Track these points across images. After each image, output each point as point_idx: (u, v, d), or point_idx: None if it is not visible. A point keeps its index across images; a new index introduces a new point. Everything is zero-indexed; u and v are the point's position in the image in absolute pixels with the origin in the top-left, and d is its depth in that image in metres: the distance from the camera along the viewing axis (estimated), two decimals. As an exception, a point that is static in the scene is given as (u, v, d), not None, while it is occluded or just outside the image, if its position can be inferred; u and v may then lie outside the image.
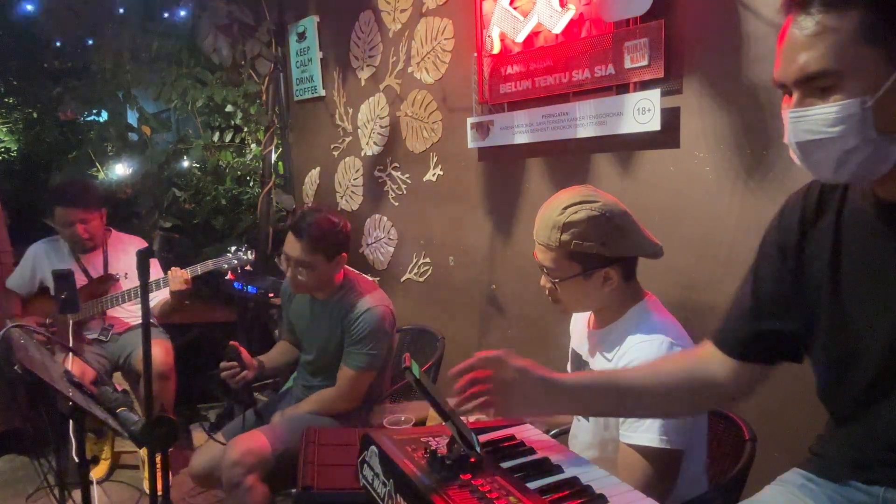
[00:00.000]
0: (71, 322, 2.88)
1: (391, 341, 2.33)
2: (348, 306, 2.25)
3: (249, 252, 2.79)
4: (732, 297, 1.24)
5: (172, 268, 2.87)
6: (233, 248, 2.87)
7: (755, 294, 1.18)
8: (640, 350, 1.36)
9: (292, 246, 2.18)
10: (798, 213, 1.12)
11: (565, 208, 1.40)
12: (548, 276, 1.48)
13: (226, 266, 2.83)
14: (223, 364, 2.27)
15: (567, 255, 1.41)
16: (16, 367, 1.44)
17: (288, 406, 2.36)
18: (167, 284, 2.89)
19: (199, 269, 2.88)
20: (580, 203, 1.40)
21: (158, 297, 3.05)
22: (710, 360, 1.21)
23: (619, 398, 1.21)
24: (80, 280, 3.05)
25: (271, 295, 3.27)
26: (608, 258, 1.41)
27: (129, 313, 3.16)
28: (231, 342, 2.30)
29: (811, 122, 0.94)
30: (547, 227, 1.42)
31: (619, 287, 1.46)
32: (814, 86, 0.93)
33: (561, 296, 1.48)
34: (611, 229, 1.39)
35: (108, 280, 3.09)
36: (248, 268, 2.82)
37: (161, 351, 2.98)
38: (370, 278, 2.60)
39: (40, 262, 3.11)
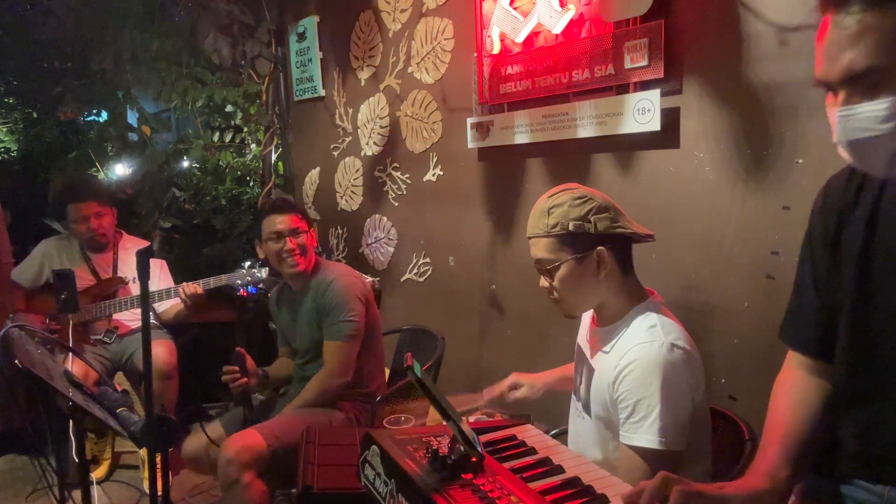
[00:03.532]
0: (71, 322, 2.88)
1: (370, 311, 2.38)
2: (317, 285, 2.35)
3: (263, 270, 2.77)
4: (794, 295, 1.21)
5: (184, 283, 2.87)
6: (247, 265, 2.83)
7: (816, 287, 1.15)
8: (641, 351, 1.36)
9: (283, 221, 2.32)
10: (839, 197, 1.11)
11: (549, 197, 1.49)
12: (544, 272, 1.49)
13: (238, 282, 2.81)
14: (225, 368, 2.29)
15: (558, 241, 1.44)
16: (16, 362, 1.44)
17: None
18: (171, 295, 2.91)
19: (212, 282, 2.87)
20: (563, 191, 1.49)
21: (166, 304, 3.07)
22: (804, 386, 1.17)
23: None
24: (88, 280, 3.06)
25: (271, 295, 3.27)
26: (596, 236, 1.43)
27: (135, 316, 3.16)
28: (237, 348, 2.32)
29: (861, 119, 0.93)
30: (535, 217, 1.49)
31: (617, 280, 1.47)
32: (860, 83, 0.92)
33: (560, 290, 1.48)
34: (594, 207, 1.45)
35: (116, 282, 3.09)
36: (260, 286, 2.80)
37: (165, 351, 2.98)
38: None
39: (50, 258, 3.11)
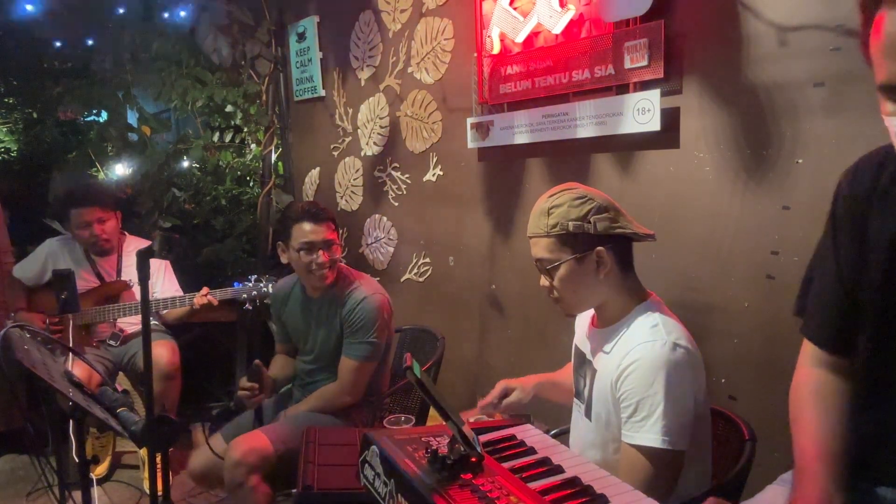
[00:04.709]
0: (72, 322, 2.88)
1: (390, 331, 2.33)
2: (344, 298, 2.26)
3: (269, 285, 2.75)
4: (816, 285, 1.13)
5: (197, 295, 2.86)
6: (253, 278, 2.78)
7: (843, 281, 1.07)
8: (643, 350, 1.36)
9: (317, 231, 2.20)
10: (869, 180, 1.03)
11: (550, 197, 1.49)
12: (544, 272, 1.49)
13: (245, 296, 2.77)
14: (243, 384, 2.22)
15: (558, 241, 1.45)
16: (17, 365, 1.44)
17: (287, 407, 2.36)
18: (182, 304, 2.92)
19: (219, 294, 2.86)
20: (562, 191, 1.49)
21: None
22: (830, 389, 1.11)
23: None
24: (92, 282, 3.05)
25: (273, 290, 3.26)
26: (596, 236, 1.43)
27: (139, 319, 3.15)
28: (256, 362, 2.25)
29: None
30: (535, 217, 1.49)
31: (617, 279, 1.47)
32: None
33: (560, 290, 1.48)
34: (594, 207, 1.45)
35: (120, 286, 3.08)
36: (266, 300, 2.77)
37: (167, 351, 2.98)
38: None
39: (54, 258, 3.10)
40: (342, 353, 2.26)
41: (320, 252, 2.20)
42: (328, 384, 2.29)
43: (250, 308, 2.80)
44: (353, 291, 2.27)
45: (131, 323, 3.16)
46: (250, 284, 2.78)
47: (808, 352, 1.16)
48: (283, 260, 2.32)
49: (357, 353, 2.23)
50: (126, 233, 3.29)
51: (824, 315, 1.12)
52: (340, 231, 3.81)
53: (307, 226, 2.20)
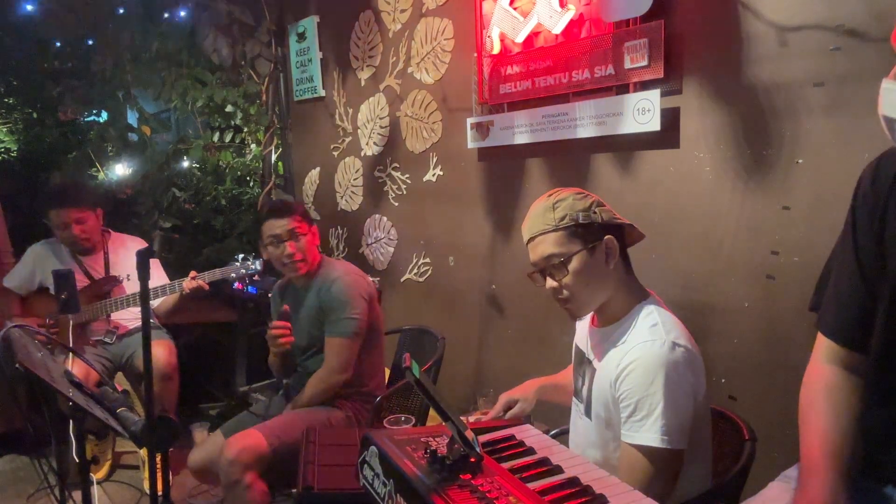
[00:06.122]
0: (71, 323, 2.87)
1: (372, 310, 2.37)
2: (321, 282, 2.35)
3: (258, 262, 2.78)
4: (834, 278, 1.12)
5: (186, 280, 2.87)
6: (240, 257, 2.82)
7: (863, 274, 1.06)
8: (643, 350, 1.36)
9: (281, 225, 2.31)
10: (893, 173, 1.02)
11: (549, 196, 1.50)
12: (554, 269, 1.47)
13: (233, 275, 2.80)
14: (275, 323, 2.28)
15: (567, 233, 1.45)
16: (17, 366, 1.44)
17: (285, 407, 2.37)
18: (172, 291, 2.91)
19: (207, 276, 2.86)
20: (558, 190, 1.51)
21: (159, 300, 3.05)
22: (842, 386, 1.09)
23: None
24: (82, 282, 3.04)
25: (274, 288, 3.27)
26: (603, 225, 1.46)
27: (134, 315, 3.15)
28: (285, 306, 2.32)
29: None
30: (539, 215, 1.49)
31: (622, 274, 1.48)
32: None
33: (571, 286, 1.46)
34: (595, 200, 1.49)
35: (110, 282, 3.08)
36: (256, 277, 2.80)
37: (164, 351, 2.97)
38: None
39: (41, 262, 3.09)
40: (326, 333, 2.30)
41: (287, 244, 2.30)
42: (318, 370, 2.31)
43: (241, 289, 2.81)
44: (328, 274, 2.36)
45: (127, 319, 3.16)
46: (237, 264, 2.81)
47: (822, 348, 1.14)
48: (264, 257, 2.44)
49: (337, 329, 2.27)
50: (110, 230, 3.27)
51: (842, 308, 1.10)
52: (340, 230, 3.82)
53: (272, 221, 2.33)
